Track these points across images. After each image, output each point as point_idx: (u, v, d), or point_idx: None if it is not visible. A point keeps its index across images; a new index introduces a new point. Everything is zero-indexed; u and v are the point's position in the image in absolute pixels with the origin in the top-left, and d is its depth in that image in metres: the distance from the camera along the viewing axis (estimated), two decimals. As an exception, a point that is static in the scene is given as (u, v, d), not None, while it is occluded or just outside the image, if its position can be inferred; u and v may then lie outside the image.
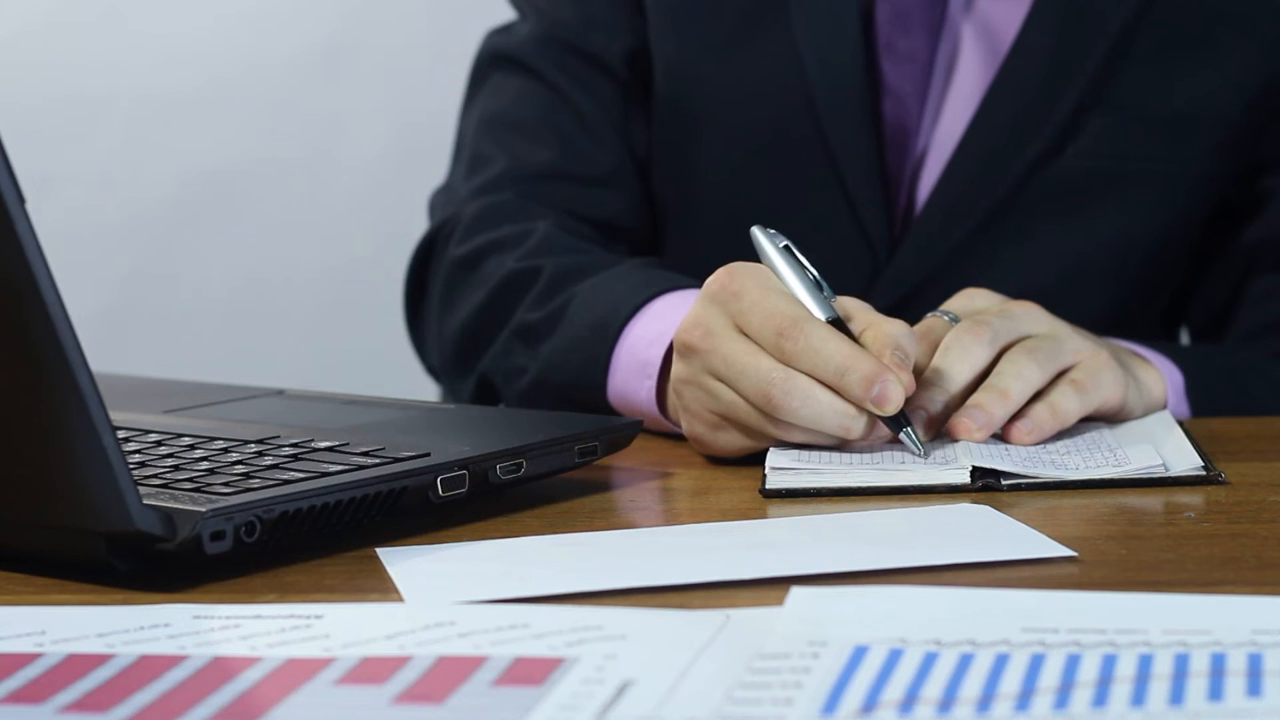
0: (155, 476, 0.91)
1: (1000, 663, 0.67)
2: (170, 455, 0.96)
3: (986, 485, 0.97)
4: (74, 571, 0.85)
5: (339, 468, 0.92)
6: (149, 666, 0.72)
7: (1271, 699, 0.63)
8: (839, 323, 1.02)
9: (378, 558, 0.87)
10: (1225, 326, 1.39)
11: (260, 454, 0.95)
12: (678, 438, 1.11)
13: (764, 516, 0.95)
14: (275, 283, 2.48)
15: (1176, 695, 0.64)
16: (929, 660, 0.68)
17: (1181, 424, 1.07)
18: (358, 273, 2.45)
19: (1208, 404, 1.21)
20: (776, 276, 1.04)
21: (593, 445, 1.00)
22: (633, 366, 1.14)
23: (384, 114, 2.45)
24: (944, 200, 1.33)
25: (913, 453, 1.01)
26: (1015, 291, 1.15)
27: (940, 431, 1.04)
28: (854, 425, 1.01)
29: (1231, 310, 1.39)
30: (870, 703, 0.65)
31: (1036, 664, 0.67)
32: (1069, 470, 0.98)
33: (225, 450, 0.96)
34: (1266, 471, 1.02)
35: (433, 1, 2.42)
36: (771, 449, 1.02)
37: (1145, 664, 0.67)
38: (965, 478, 0.97)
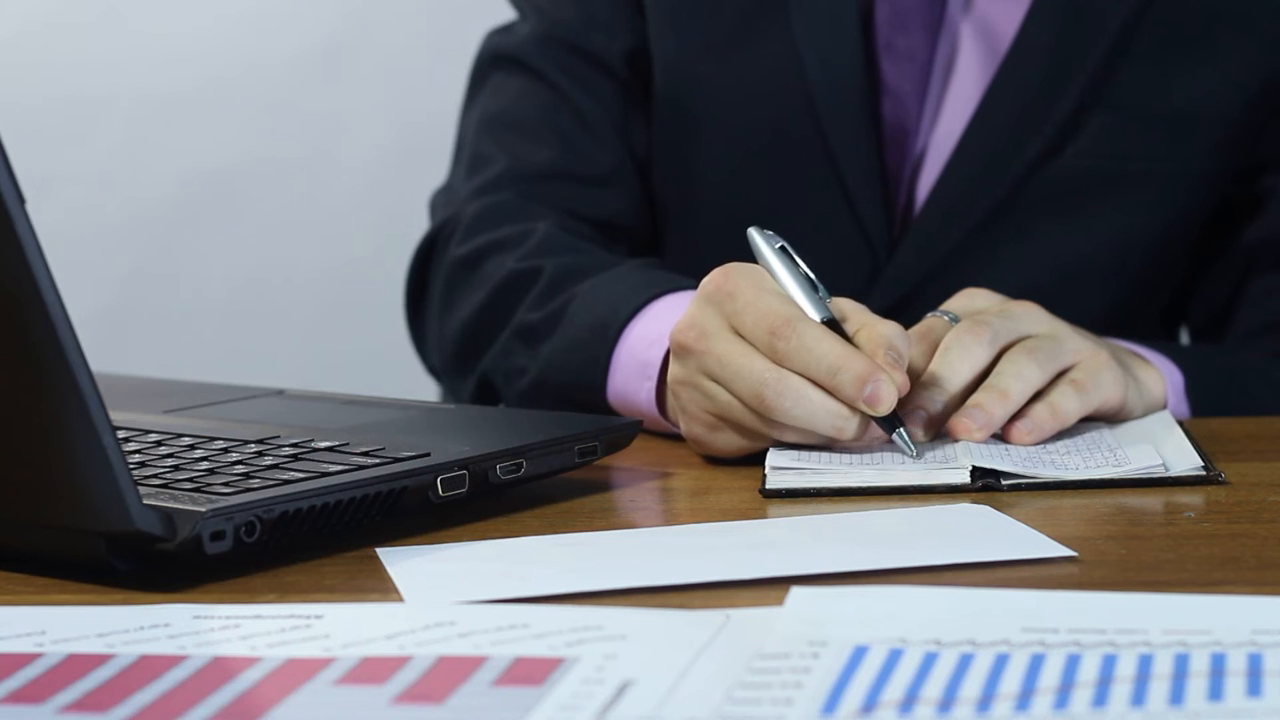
0: (155, 476, 0.91)
1: (1000, 663, 0.67)
2: (170, 455, 0.96)
3: (986, 485, 0.97)
4: (74, 571, 0.85)
5: (339, 468, 0.92)
6: (149, 666, 0.72)
7: (1271, 699, 0.63)
8: (833, 323, 1.02)
9: (378, 558, 0.87)
10: (1225, 326, 1.39)
11: (260, 454, 0.95)
12: (677, 438, 1.11)
13: (764, 516, 0.95)
14: (275, 283, 2.48)
15: (1176, 695, 0.64)
16: (929, 660, 0.68)
17: (1181, 424, 1.07)
18: (358, 273, 2.45)
19: (1208, 404, 1.21)
20: (772, 277, 1.04)
21: (593, 445, 1.00)
22: (633, 367, 1.14)
23: (384, 114, 2.45)
24: (943, 200, 1.33)
25: (905, 454, 1.01)
26: (1015, 291, 1.15)
27: (940, 431, 1.04)
28: (847, 425, 1.00)
29: (1231, 310, 1.39)
30: (870, 703, 0.65)
31: (1036, 664, 0.67)
32: (1069, 470, 0.98)
33: (225, 450, 0.96)
34: (1266, 471, 1.02)
35: (433, 1, 2.42)
36: (771, 449, 1.02)
37: (1145, 664, 0.67)
38: (965, 478, 0.97)
